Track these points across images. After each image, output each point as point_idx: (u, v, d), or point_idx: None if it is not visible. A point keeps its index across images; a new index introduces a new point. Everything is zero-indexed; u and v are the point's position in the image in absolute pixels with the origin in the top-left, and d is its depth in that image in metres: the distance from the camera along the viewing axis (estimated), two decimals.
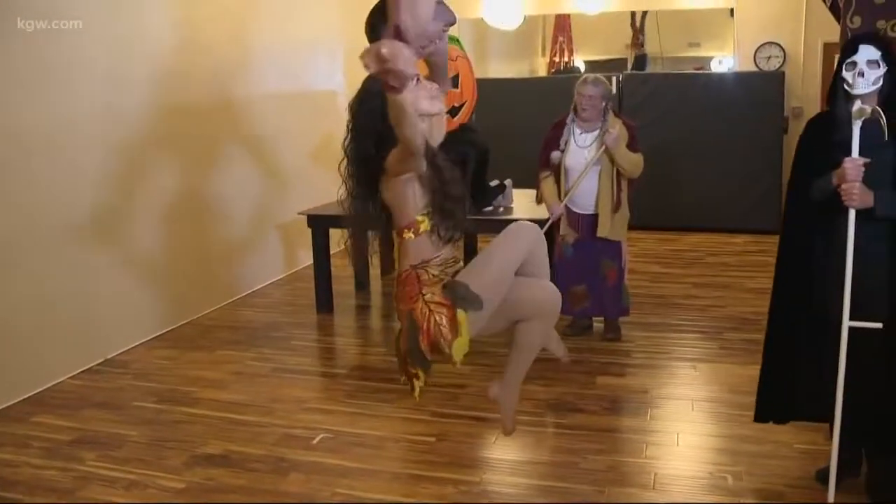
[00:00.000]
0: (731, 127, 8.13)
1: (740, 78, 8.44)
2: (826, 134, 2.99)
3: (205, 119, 5.84)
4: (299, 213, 5.84)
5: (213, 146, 5.97)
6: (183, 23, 5.58)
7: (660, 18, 10.98)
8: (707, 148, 8.24)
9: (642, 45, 10.80)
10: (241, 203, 6.34)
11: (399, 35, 2.10)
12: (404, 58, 1.91)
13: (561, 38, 12.09)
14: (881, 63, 2.85)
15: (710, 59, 11.92)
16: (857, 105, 2.75)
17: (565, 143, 4.92)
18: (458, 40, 5.91)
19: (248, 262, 6.47)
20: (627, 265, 5.10)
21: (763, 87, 8.14)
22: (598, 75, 4.97)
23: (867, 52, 2.86)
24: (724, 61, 9.76)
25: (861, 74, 2.83)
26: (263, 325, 5.61)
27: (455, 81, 5.67)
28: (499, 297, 2.51)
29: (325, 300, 5.82)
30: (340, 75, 7.89)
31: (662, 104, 8.34)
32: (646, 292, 6.03)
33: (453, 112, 5.70)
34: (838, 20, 6.02)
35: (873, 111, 2.72)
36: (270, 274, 6.80)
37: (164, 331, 5.42)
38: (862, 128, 2.77)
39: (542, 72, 11.89)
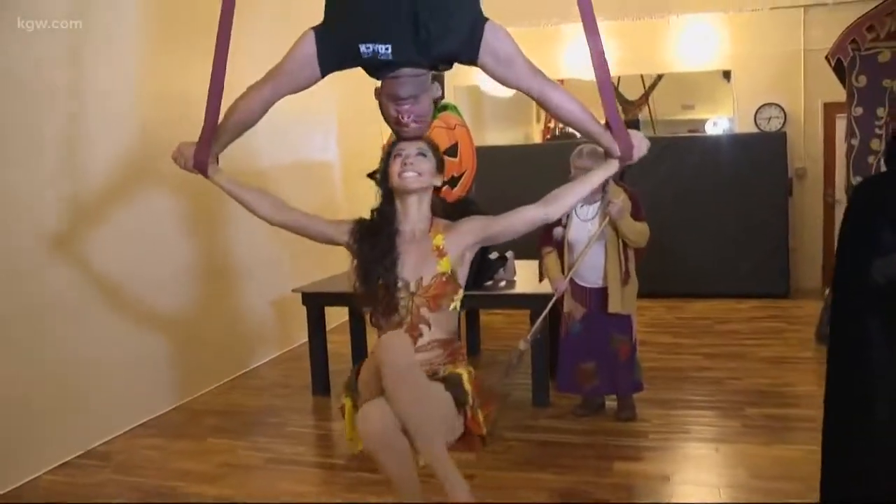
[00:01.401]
0: (733, 189, 7.92)
1: (741, 140, 8.27)
2: (884, 202, 2.42)
3: (193, 193, 5.59)
4: (293, 290, 5.54)
5: (202, 220, 5.71)
6: (172, 96, 5.36)
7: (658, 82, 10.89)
8: (710, 211, 8.02)
9: (638, 110, 10.68)
10: (232, 278, 6.05)
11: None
12: None
13: None
14: None
15: (704, 121, 11.83)
16: None
17: (567, 217, 4.66)
18: (456, 108, 5.69)
19: (241, 340, 6.15)
20: (638, 338, 4.78)
21: (765, 148, 7.95)
22: (594, 146, 4.74)
23: None
24: (718, 123, 9.62)
25: None
26: (256, 410, 5.26)
27: (454, 150, 5.45)
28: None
29: (321, 382, 5.48)
30: (335, 145, 7.69)
31: (663, 168, 8.13)
32: (658, 365, 5.71)
33: (453, 182, 5.45)
34: (843, 80, 5.88)
35: None
36: (265, 353, 6.46)
37: (149, 417, 5.06)
38: None
39: (537, 138, 11.77)
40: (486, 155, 7.48)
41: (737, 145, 8.20)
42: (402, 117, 2.54)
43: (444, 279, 2.64)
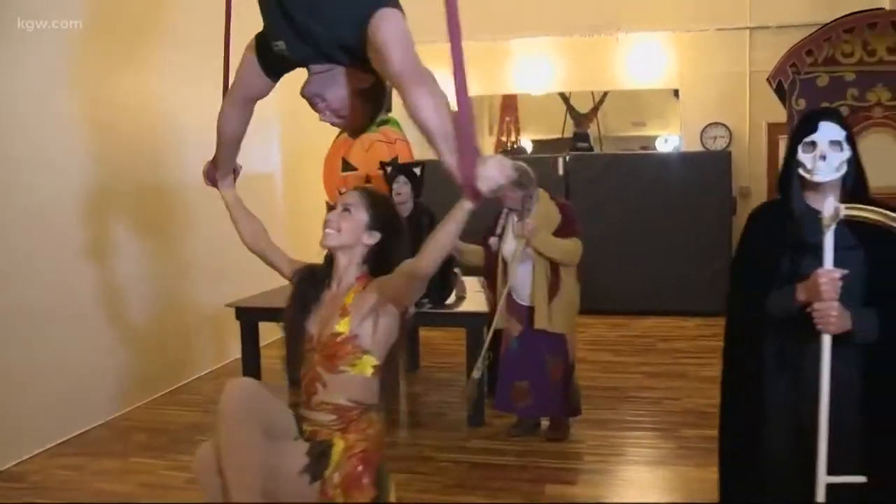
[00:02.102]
0: (678, 207, 7.92)
1: (687, 158, 8.28)
2: (779, 232, 2.43)
3: (127, 205, 5.42)
4: (227, 305, 5.37)
5: (134, 232, 5.53)
6: (104, 103, 5.18)
7: (606, 98, 10.92)
8: (655, 229, 8.01)
9: (586, 123, 10.68)
10: (167, 291, 5.87)
11: None
12: None
13: (508, 118, 11.98)
14: (844, 145, 2.36)
15: (655, 138, 11.88)
16: (831, 206, 2.18)
17: (502, 229, 4.59)
18: (397, 122, 5.60)
19: (174, 354, 5.96)
20: (575, 359, 4.65)
21: (710, 167, 7.97)
22: (517, 162, 4.67)
23: (830, 131, 2.35)
24: (669, 140, 9.64)
25: (822, 158, 2.32)
26: (185, 427, 5.08)
27: None
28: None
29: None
30: (277, 157, 7.54)
31: (610, 184, 8.13)
32: (597, 384, 5.64)
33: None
34: (784, 102, 5.89)
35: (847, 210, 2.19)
36: (199, 367, 6.27)
37: (71, 435, 4.85)
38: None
39: (489, 152, 11.71)
40: (437, 170, 7.40)
41: (683, 163, 8.21)
42: (321, 116, 2.44)
43: (338, 339, 2.47)
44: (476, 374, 4.59)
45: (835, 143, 2.35)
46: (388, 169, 5.18)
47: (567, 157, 8.45)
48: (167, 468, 4.39)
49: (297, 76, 2.48)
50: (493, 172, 2.05)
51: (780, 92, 5.89)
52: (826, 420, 2.26)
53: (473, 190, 2.05)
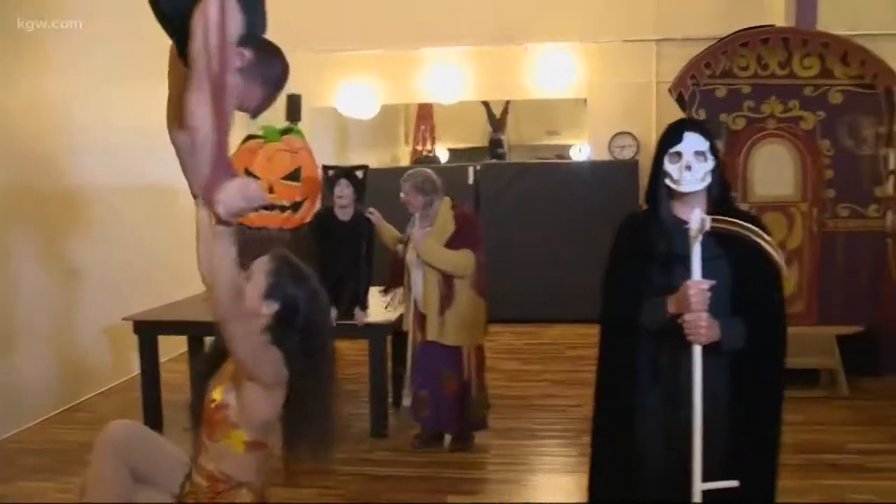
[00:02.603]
0: (587, 216, 8.04)
1: (596, 167, 8.41)
2: (649, 242, 2.46)
3: (19, 212, 5.24)
4: (124, 319, 5.22)
5: (29, 241, 5.35)
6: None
7: (519, 107, 11.06)
8: (564, 237, 8.11)
9: (500, 131, 10.81)
10: (62, 303, 5.69)
11: None
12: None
13: (423, 127, 12.03)
14: (708, 155, 2.40)
15: (569, 146, 12.08)
16: (697, 217, 2.24)
17: (408, 236, 4.60)
18: (299, 131, 5.54)
19: (69, 370, 5.76)
20: (475, 373, 4.59)
21: (618, 176, 8.11)
22: (414, 170, 4.71)
23: (694, 142, 2.40)
24: (583, 149, 9.81)
25: (688, 168, 2.36)
26: (79, 447, 4.88)
27: (296, 175, 5.30)
28: None
29: (152, 416, 5.17)
30: None
31: (519, 193, 8.21)
32: (502, 393, 5.66)
33: (295, 207, 5.30)
34: (686, 112, 6.04)
35: (712, 221, 2.25)
36: (97, 384, 6.08)
37: None
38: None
39: (404, 160, 11.74)
40: (380, 175, 7.35)
41: (591, 172, 8.34)
42: None
43: (212, 406, 2.39)
44: (405, 401, 4.62)
45: (699, 154, 2.40)
46: (330, 172, 5.09)
47: (477, 166, 8.50)
48: (57, 491, 4.24)
49: None
50: (232, 198, 2.00)
51: (682, 102, 6.05)
52: (700, 428, 2.32)
53: (210, 201, 2.01)
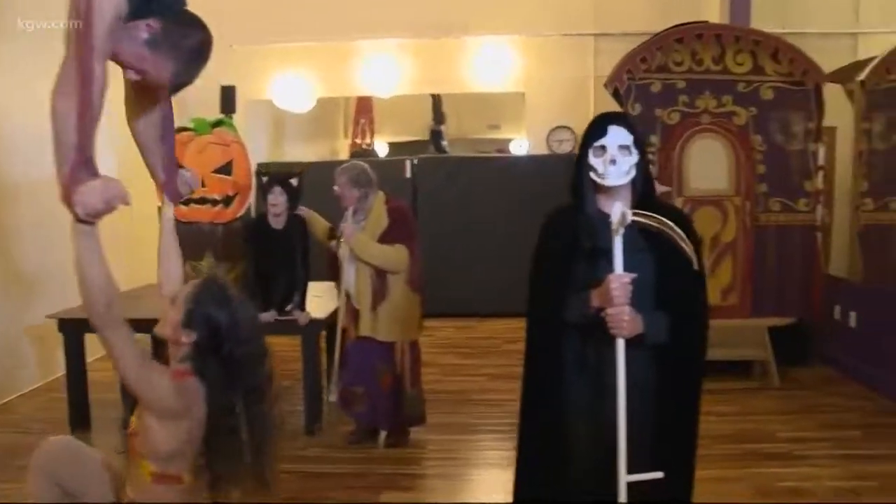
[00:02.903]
0: (526, 210, 8.07)
1: (533, 161, 8.50)
2: (574, 236, 2.50)
3: None
4: (48, 317, 5.11)
5: None
6: None
7: (459, 101, 11.06)
8: (502, 231, 8.18)
9: (440, 123, 10.80)
10: None
11: None
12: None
13: (363, 120, 11.96)
14: (633, 149, 2.45)
15: (510, 140, 12.14)
16: (619, 211, 2.27)
17: (341, 232, 4.60)
18: (231, 124, 5.49)
19: None
20: (409, 368, 4.62)
21: (555, 170, 8.16)
22: (350, 164, 4.71)
23: (618, 136, 2.44)
24: (523, 144, 9.88)
25: (612, 162, 2.40)
26: (2, 451, 4.81)
27: (228, 168, 5.25)
28: None
29: (79, 416, 5.08)
30: (111, 158, 7.24)
31: (457, 187, 8.26)
32: (439, 388, 5.70)
33: (227, 201, 5.26)
34: (622, 107, 6.13)
35: (633, 215, 2.30)
36: (21, 384, 5.94)
37: None
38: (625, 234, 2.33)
39: (343, 154, 11.66)
40: (316, 178, 7.30)
41: (529, 166, 8.42)
42: (125, 73, 2.28)
43: (129, 432, 2.34)
44: (332, 397, 4.61)
45: (624, 148, 2.44)
46: (264, 179, 5.03)
47: (415, 160, 8.52)
48: None
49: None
50: (91, 198, 1.89)
51: (618, 96, 6.13)
52: (624, 421, 2.37)
53: (72, 211, 1.91)
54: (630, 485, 2.40)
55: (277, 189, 4.85)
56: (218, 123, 5.35)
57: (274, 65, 8.58)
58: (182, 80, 2.24)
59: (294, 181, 4.95)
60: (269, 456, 2.38)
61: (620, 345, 2.36)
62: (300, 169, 5.18)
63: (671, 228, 2.32)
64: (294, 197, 4.93)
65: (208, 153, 5.21)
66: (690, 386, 2.57)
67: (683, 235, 2.31)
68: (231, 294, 2.36)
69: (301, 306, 4.86)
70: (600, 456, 2.44)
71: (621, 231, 2.31)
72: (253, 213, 6.19)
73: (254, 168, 5.67)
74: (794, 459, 4.45)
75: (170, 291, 2.49)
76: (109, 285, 2.03)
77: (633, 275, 2.33)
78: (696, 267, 2.36)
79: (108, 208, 1.91)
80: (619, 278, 2.32)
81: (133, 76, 2.21)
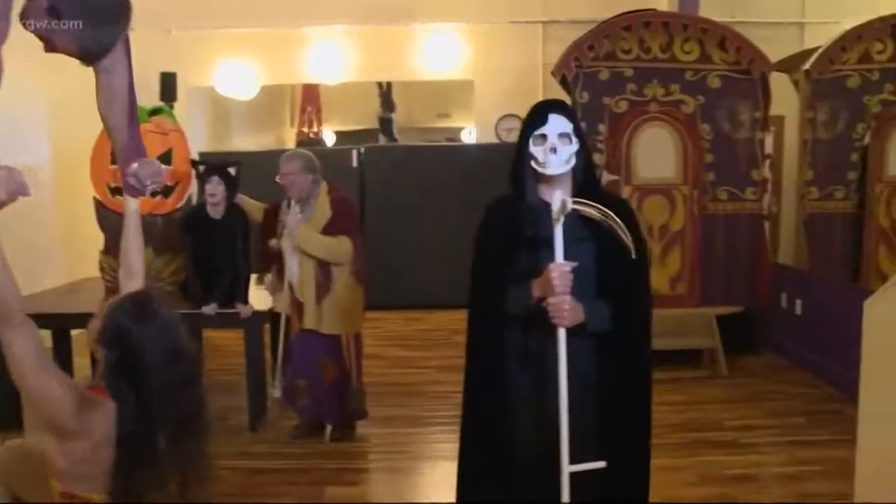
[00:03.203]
0: (474, 199, 8.02)
1: (482, 150, 8.50)
2: (515, 225, 2.50)
3: None
4: None
5: None
6: None
7: (409, 89, 11.04)
8: (450, 221, 8.16)
9: (390, 111, 10.76)
10: None
11: None
12: None
13: (309, 109, 11.87)
14: (573, 137, 2.46)
15: (460, 129, 12.15)
16: (559, 199, 2.28)
17: (282, 228, 4.54)
18: (170, 112, 5.39)
19: None
20: (356, 362, 4.60)
21: (504, 159, 8.09)
22: (297, 150, 4.69)
23: (559, 124, 2.44)
24: (473, 132, 9.89)
25: (553, 150, 2.40)
26: None
27: (167, 157, 5.16)
28: None
29: (8, 416, 4.94)
30: (46, 148, 7.10)
31: (405, 177, 8.24)
32: (386, 380, 5.72)
33: (166, 192, 5.16)
34: (570, 95, 6.17)
35: (573, 204, 2.31)
36: None
37: None
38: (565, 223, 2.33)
39: (290, 143, 11.57)
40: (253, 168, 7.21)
41: (478, 155, 8.42)
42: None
43: None
44: (276, 392, 4.58)
45: (564, 136, 2.45)
46: (201, 168, 4.97)
47: (362, 149, 8.48)
48: None
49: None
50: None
51: (566, 84, 6.16)
52: (566, 412, 2.37)
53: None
54: (584, 480, 2.40)
55: (215, 178, 4.81)
56: (156, 111, 5.25)
57: (216, 51, 8.47)
58: (92, 45, 2.14)
59: (232, 170, 4.91)
60: (201, 493, 2.20)
61: (562, 335, 2.36)
62: (238, 159, 5.13)
63: (611, 217, 2.33)
64: (232, 186, 4.89)
65: (146, 142, 5.08)
66: (637, 375, 2.58)
67: (622, 224, 2.33)
68: (158, 312, 2.16)
69: (243, 298, 4.81)
70: (544, 448, 2.44)
71: (562, 220, 2.31)
72: (194, 203, 6.09)
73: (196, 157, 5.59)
74: (740, 447, 4.54)
75: (131, 287, 2.40)
76: (6, 279, 1.90)
77: (574, 263, 2.34)
78: (633, 256, 2.37)
79: (11, 199, 1.86)
80: (560, 267, 2.32)
81: (48, 48, 2.14)
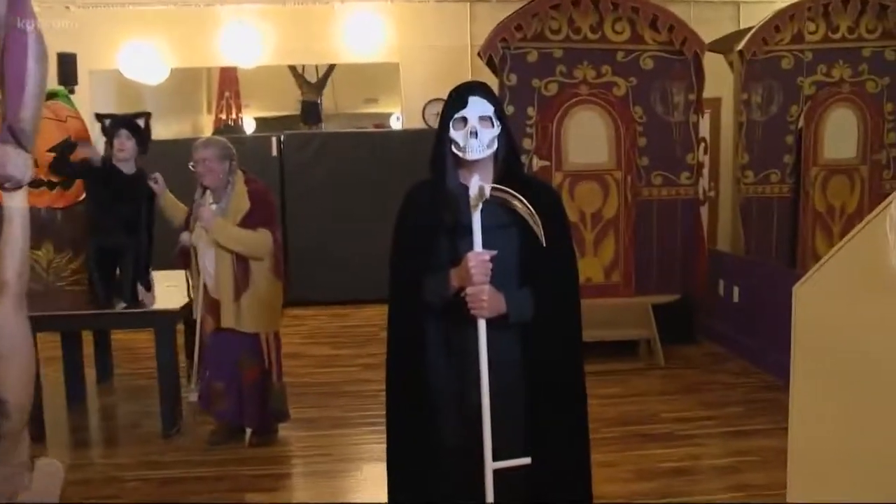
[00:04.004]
0: (400, 188, 8.02)
1: (409, 136, 8.48)
2: (435, 212, 2.49)
3: None
4: None
5: None
6: None
7: (334, 73, 10.95)
8: (376, 212, 8.09)
9: (318, 96, 10.65)
10: None
11: None
12: None
13: (227, 93, 11.69)
14: (495, 121, 2.44)
15: (390, 115, 12.11)
16: (476, 185, 2.29)
17: (194, 220, 4.46)
18: (67, 96, 5.25)
19: None
20: (276, 361, 4.54)
21: (432, 145, 8.22)
22: (213, 136, 4.61)
23: (479, 107, 2.43)
24: (402, 118, 9.86)
25: (474, 135, 2.39)
26: None
27: (69, 146, 5.03)
28: None
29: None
30: None
31: (328, 165, 8.18)
32: (310, 381, 5.69)
33: (65, 184, 5.04)
34: (497, 77, 6.18)
35: (492, 190, 2.31)
36: None
37: None
38: (484, 209, 2.34)
39: (207, 131, 11.39)
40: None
41: (405, 142, 8.39)
42: None
43: None
44: (192, 397, 4.50)
45: (485, 119, 2.43)
46: (107, 122, 4.82)
47: (282, 137, 8.39)
48: None
49: None
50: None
51: (493, 66, 6.16)
52: (488, 406, 2.37)
53: None
54: (517, 476, 2.41)
55: (124, 133, 4.72)
56: (52, 95, 5.10)
57: (121, 30, 8.26)
58: None
59: (141, 122, 4.80)
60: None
61: (482, 325, 2.36)
62: (151, 148, 4.99)
63: (523, 204, 2.32)
64: (142, 140, 4.80)
65: (43, 130, 4.94)
66: (566, 368, 2.58)
67: (532, 210, 2.33)
68: None
69: (144, 281, 4.70)
70: (472, 444, 2.44)
71: (480, 206, 2.31)
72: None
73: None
74: (676, 440, 4.61)
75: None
76: None
77: (493, 252, 2.33)
78: (543, 244, 2.36)
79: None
80: (478, 256, 2.32)
81: None
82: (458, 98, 2.47)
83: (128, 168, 4.76)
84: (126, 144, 4.72)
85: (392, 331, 2.61)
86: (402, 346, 2.58)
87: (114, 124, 4.78)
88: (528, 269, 2.46)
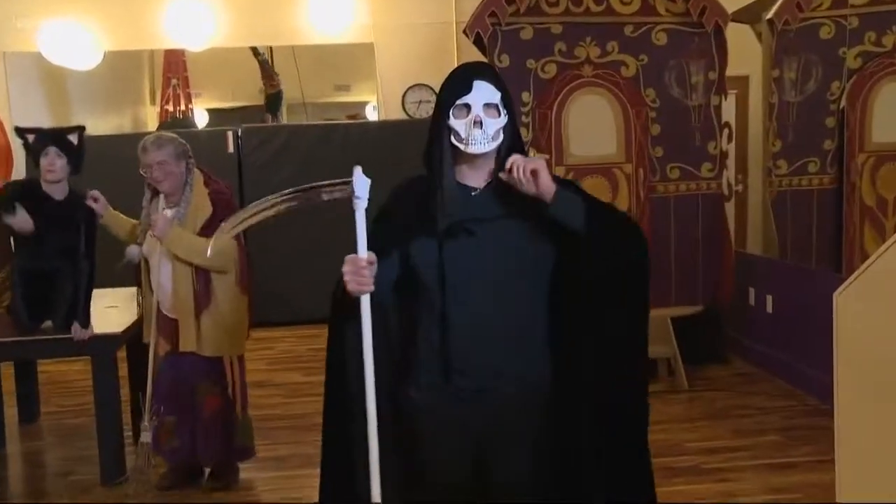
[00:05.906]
0: (377, 190, 8.07)
1: (386, 128, 8.50)
2: (418, 214, 2.48)
3: None
4: None
5: None
6: None
7: (298, 56, 10.91)
8: (350, 218, 8.12)
9: (277, 85, 10.64)
10: None
11: None
12: None
13: (174, 81, 11.63)
14: (501, 109, 2.41)
15: (364, 104, 12.08)
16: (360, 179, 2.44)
17: (143, 232, 4.43)
18: None
19: None
20: (241, 389, 4.55)
21: (414, 139, 8.13)
22: (163, 133, 4.57)
23: (485, 93, 2.39)
24: (378, 107, 9.86)
25: (478, 125, 2.35)
26: None
27: None
28: None
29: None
30: None
31: (294, 163, 8.19)
32: (278, 412, 5.68)
33: None
34: (486, 58, 6.17)
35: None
36: None
37: None
38: (480, 198, 2.41)
39: (152, 125, 11.35)
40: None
41: (381, 135, 8.41)
42: None
43: None
44: (145, 437, 4.44)
45: (491, 107, 2.40)
46: (30, 137, 4.65)
47: (239, 131, 8.39)
48: None
49: None
50: None
51: (480, 45, 6.15)
52: (374, 421, 2.45)
53: None
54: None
55: (53, 150, 4.52)
56: None
57: (41, 7, 8.19)
58: None
59: (73, 137, 4.61)
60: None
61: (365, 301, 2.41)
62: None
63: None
64: (75, 158, 4.62)
65: None
66: (631, 383, 2.59)
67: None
68: None
69: (83, 317, 4.62)
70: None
71: (365, 203, 2.46)
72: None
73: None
74: (703, 474, 4.61)
75: None
76: None
77: (373, 256, 2.39)
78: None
79: None
80: (354, 260, 2.38)
81: None
82: (461, 81, 2.43)
83: (59, 192, 4.61)
84: (56, 164, 4.54)
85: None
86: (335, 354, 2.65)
87: (39, 139, 4.63)
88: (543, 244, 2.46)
